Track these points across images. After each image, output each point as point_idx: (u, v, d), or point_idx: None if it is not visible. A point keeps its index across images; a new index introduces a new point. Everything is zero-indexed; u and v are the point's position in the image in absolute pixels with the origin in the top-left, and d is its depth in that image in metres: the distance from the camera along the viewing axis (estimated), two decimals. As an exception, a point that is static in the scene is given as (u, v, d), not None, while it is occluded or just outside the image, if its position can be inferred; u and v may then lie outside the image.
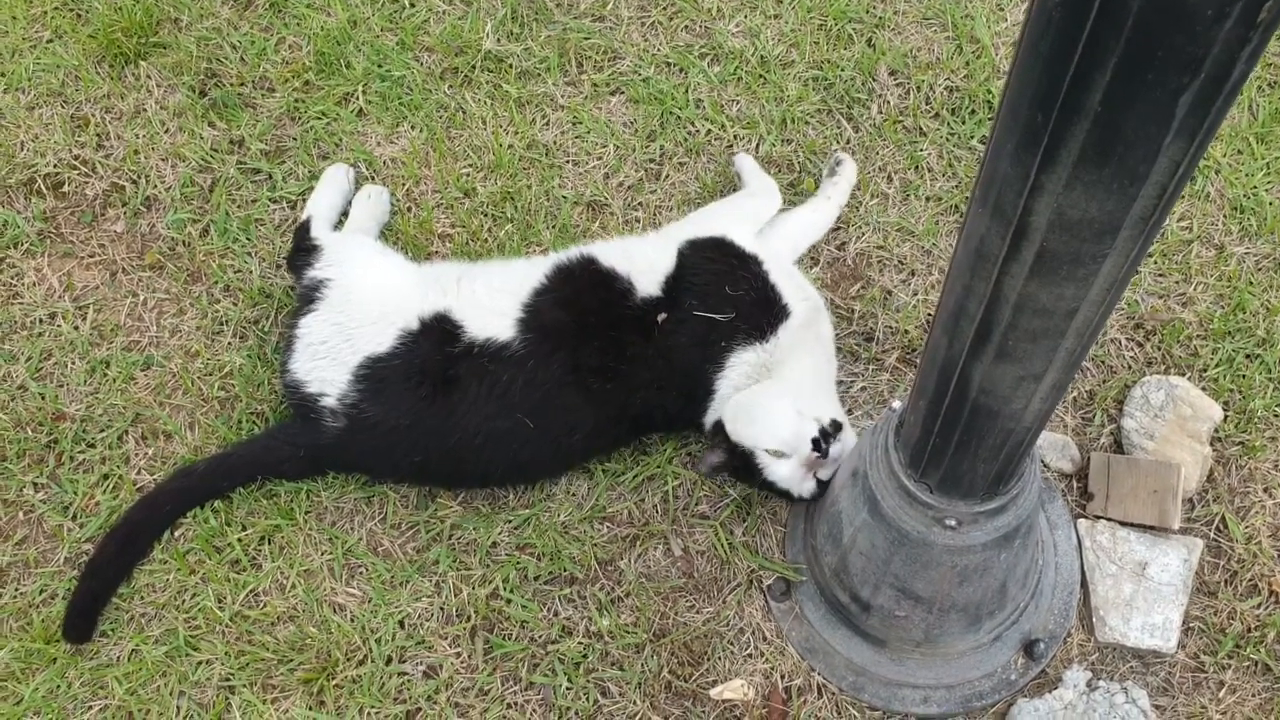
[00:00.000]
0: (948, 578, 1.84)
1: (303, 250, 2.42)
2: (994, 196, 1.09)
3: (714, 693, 2.15)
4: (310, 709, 2.13)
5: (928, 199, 2.61)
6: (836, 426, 2.12)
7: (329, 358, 2.24)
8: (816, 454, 2.07)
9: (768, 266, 2.29)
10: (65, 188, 2.71)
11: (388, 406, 2.20)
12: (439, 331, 2.23)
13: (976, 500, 1.69)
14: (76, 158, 2.73)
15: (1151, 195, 0.99)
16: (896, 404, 1.79)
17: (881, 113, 2.71)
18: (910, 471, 1.72)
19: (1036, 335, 1.24)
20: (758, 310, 2.23)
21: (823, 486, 2.13)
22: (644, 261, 2.28)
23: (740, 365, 2.21)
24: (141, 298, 2.57)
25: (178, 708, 2.15)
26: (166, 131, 2.77)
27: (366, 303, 2.29)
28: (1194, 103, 0.88)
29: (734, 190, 2.60)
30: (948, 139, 2.68)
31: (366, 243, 2.46)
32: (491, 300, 2.26)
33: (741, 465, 2.16)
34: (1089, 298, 1.16)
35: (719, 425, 2.19)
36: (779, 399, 2.13)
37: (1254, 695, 2.11)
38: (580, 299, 2.25)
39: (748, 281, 2.26)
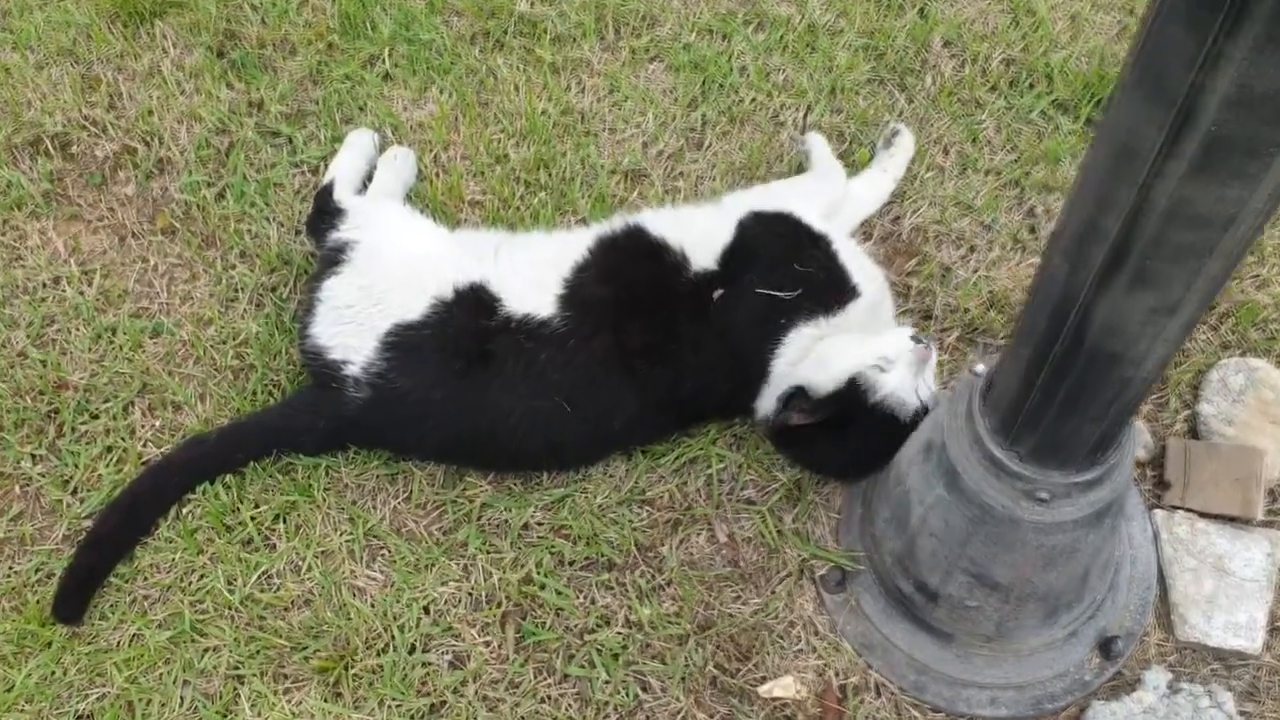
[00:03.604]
0: (1032, 561, 1.68)
1: (325, 214, 2.27)
2: (1154, 75, 0.95)
3: (763, 690, 1.98)
4: (325, 701, 1.97)
5: (986, 173, 2.47)
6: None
7: (354, 322, 2.09)
8: (920, 344, 1.98)
9: (837, 246, 2.14)
10: (73, 148, 2.57)
11: (417, 378, 2.05)
12: (474, 302, 2.08)
13: (1073, 470, 1.54)
14: (86, 118, 2.59)
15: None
16: (980, 367, 1.64)
17: (936, 84, 2.58)
18: (998, 438, 1.56)
19: (1182, 254, 1.09)
20: (826, 290, 2.08)
21: (922, 411, 2.00)
22: (698, 231, 2.14)
23: (796, 341, 2.06)
24: (152, 263, 2.42)
25: (182, 698, 1.98)
26: (182, 93, 2.63)
27: (396, 266, 2.14)
28: None
29: (782, 163, 2.46)
30: (1005, 111, 2.54)
31: (394, 206, 2.32)
32: (532, 273, 2.11)
33: (841, 406, 1.99)
34: (1252, 203, 1.01)
35: (794, 392, 2.03)
36: (854, 338, 2.05)
37: (1349, 701, 1.95)
38: (625, 272, 2.11)
39: (817, 260, 2.11)
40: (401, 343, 2.06)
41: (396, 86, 2.62)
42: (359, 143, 2.46)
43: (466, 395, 2.04)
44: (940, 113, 2.54)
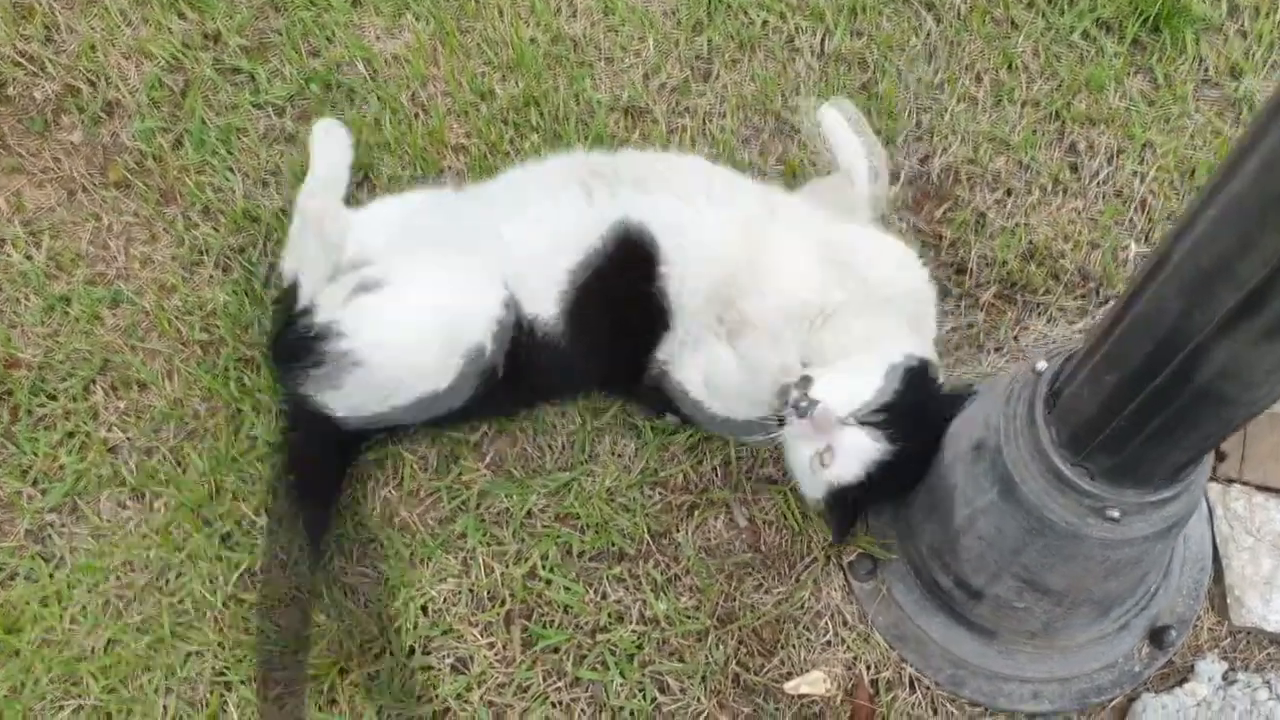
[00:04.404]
0: (1093, 572, 1.53)
1: (304, 342, 1.83)
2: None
3: (789, 686, 1.85)
4: (320, 709, 1.82)
5: (1024, 104, 2.24)
6: (805, 381, 1.69)
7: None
8: (791, 420, 1.68)
9: None
10: (9, 89, 2.31)
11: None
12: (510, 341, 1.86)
13: (1150, 489, 1.37)
14: (21, 53, 2.32)
15: None
16: (1042, 364, 1.45)
17: (966, 1, 2.32)
18: (1066, 454, 1.39)
19: (1342, 311, 0.89)
20: None
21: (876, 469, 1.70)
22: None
23: None
24: (106, 221, 2.19)
25: (164, 707, 1.84)
26: (128, 23, 2.35)
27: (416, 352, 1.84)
28: None
29: (798, 95, 2.22)
30: (1044, 32, 2.30)
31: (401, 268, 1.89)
32: (543, 271, 1.84)
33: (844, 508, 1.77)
34: None
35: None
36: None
37: None
38: (620, 307, 1.88)
39: None
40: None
41: (367, 13, 2.35)
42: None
43: (505, 391, 1.90)
44: (972, 35, 2.29)
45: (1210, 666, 1.83)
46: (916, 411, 1.68)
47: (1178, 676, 1.85)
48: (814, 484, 1.74)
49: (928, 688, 1.85)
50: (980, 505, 1.57)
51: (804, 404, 1.65)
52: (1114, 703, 1.84)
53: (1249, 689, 1.80)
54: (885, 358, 1.71)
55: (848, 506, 1.74)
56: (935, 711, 1.84)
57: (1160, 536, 1.47)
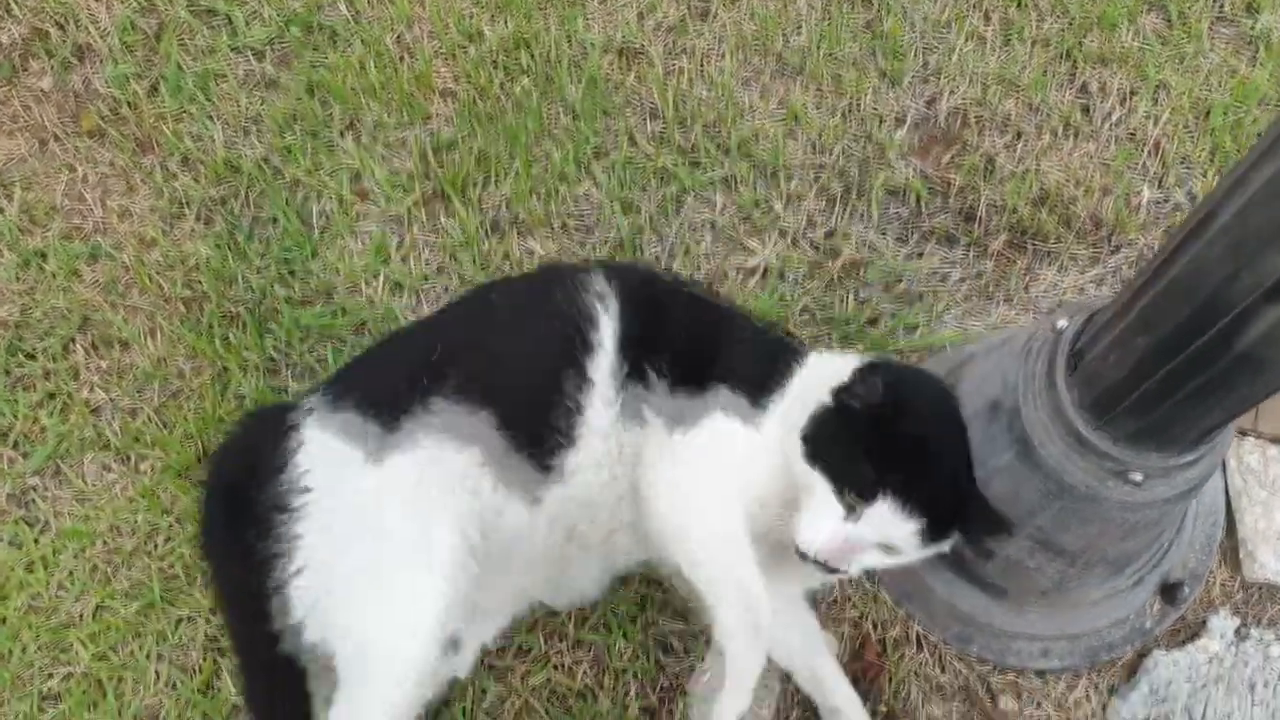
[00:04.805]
0: (1110, 534, 1.49)
1: None
2: None
3: (795, 646, 1.82)
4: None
5: (1034, 43, 2.16)
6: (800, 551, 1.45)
7: None
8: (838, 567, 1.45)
9: None
10: (-25, 34, 2.22)
11: None
12: None
13: (1174, 453, 1.32)
14: (-14, -5, 2.23)
15: None
16: (1063, 323, 1.40)
17: (974, -66, 2.24)
18: (1088, 416, 1.34)
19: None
20: None
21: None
22: None
23: None
24: (80, 172, 2.10)
25: (156, 673, 1.80)
26: (97, -39, 2.25)
27: None
28: None
29: (800, 33, 2.13)
30: (1055, -33, 2.22)
31: None
32: None
33: None
34: None
35: None
36: None
37: None
38: None
39: None
40: None
41: (348, -50, 2.26)
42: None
43: None
44: (980, -31, 2.21)
45: (1222, 622, 1.80)
46: (843, 449, 1.43)
47: (1189, 632, 1.83)
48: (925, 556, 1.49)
49: (935, 645, 1.81)
50: (996, 466, 1.52)
51: (821, 559, 1.43)
52: (1124, 659, 1.81)
53: (1261, 644, 1.78)
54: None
55: (960, 525, 1.46)
56: (943, 669, 1.81)
57: (1181, 498, 1.43)
